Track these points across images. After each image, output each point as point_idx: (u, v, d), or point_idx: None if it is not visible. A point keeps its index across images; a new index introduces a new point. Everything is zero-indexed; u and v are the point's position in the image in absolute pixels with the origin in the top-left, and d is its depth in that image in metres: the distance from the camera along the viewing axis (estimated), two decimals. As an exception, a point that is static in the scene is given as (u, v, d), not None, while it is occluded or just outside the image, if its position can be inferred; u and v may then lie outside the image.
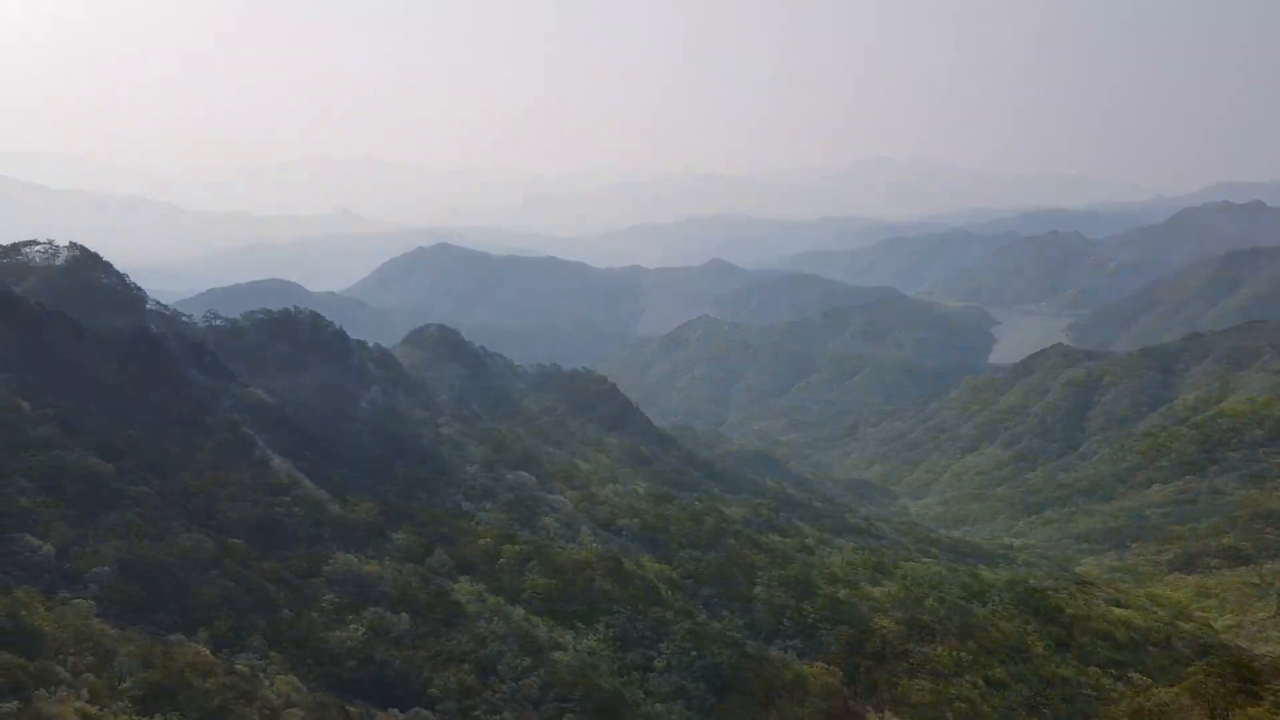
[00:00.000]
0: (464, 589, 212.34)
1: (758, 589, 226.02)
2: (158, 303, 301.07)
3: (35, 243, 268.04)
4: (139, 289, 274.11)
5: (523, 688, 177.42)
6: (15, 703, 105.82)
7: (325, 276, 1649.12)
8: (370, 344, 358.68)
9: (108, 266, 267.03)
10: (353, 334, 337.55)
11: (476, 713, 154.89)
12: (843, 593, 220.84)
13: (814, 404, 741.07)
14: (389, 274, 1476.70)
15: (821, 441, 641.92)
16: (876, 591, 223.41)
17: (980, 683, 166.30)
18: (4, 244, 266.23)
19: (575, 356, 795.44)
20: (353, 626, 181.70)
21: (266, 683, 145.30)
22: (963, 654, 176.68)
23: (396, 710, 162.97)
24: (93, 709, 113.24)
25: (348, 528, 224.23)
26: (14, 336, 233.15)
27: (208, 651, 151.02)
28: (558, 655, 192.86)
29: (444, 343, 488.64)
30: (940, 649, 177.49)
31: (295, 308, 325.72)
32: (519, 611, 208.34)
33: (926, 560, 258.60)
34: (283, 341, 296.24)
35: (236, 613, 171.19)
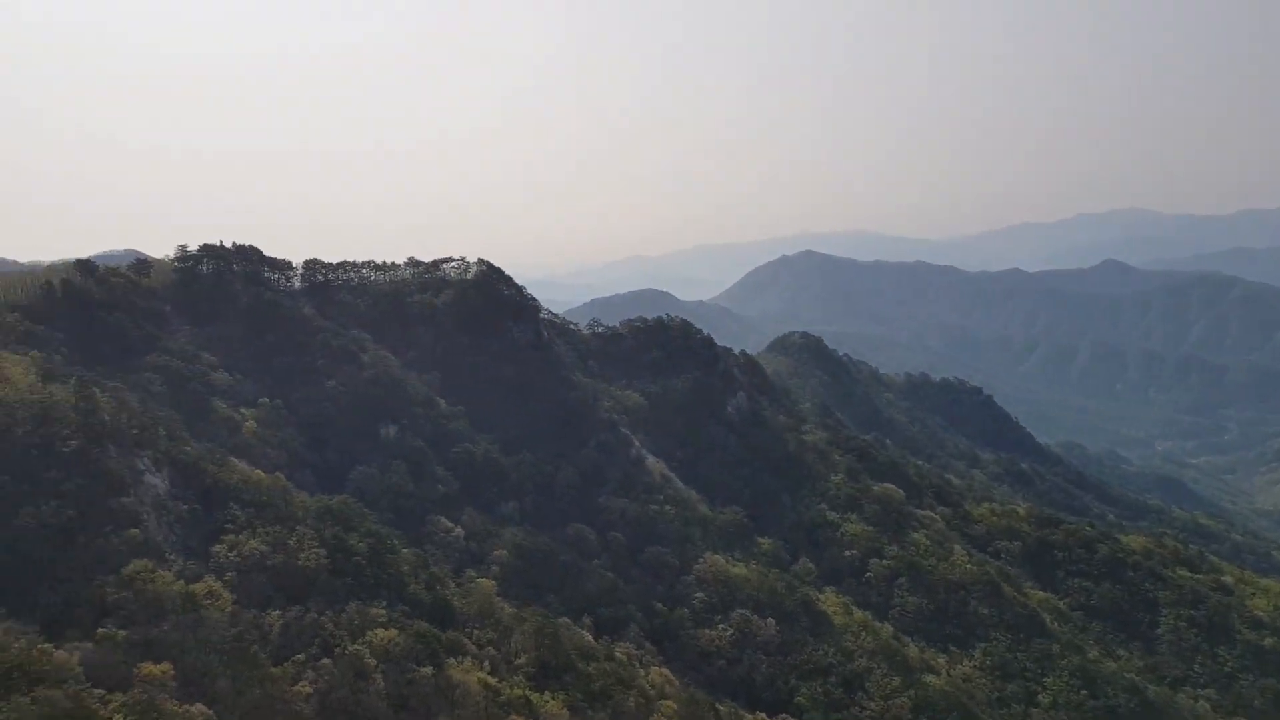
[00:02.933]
0: (830, 600, 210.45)
1: (1161, 628, 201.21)
2: (549, 311, 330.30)
3: (451, 259, 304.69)
4: (533, 299, 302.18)
5: (891, 708, 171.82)
6: (430, 668, 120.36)
7: (694, 285, 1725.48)
8: (736, 350, 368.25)
9: (508, 279, 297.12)
10: (719, 341, 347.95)
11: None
12: (1269, 640, 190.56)
13: (1232, 423, 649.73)
14: (754, 282, 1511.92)
15: (1242, 466, 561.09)
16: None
17: None
18: (427, 260, 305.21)
19: (945, 365, 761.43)
20: (721, 627, 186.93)
21: (642, 672, 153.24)
22: None
23: (763, 714, 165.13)
24: (493, 680, 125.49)
25: (715, 529, 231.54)
26: (435, 341, 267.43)
27: (591, 637, 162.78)
28: (930, 678, 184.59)
29: (807, 350, 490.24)
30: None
31: (667, 316, 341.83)
32: (887, 628, 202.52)
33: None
34: (656, 348, 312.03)
35: (616, 603, 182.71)
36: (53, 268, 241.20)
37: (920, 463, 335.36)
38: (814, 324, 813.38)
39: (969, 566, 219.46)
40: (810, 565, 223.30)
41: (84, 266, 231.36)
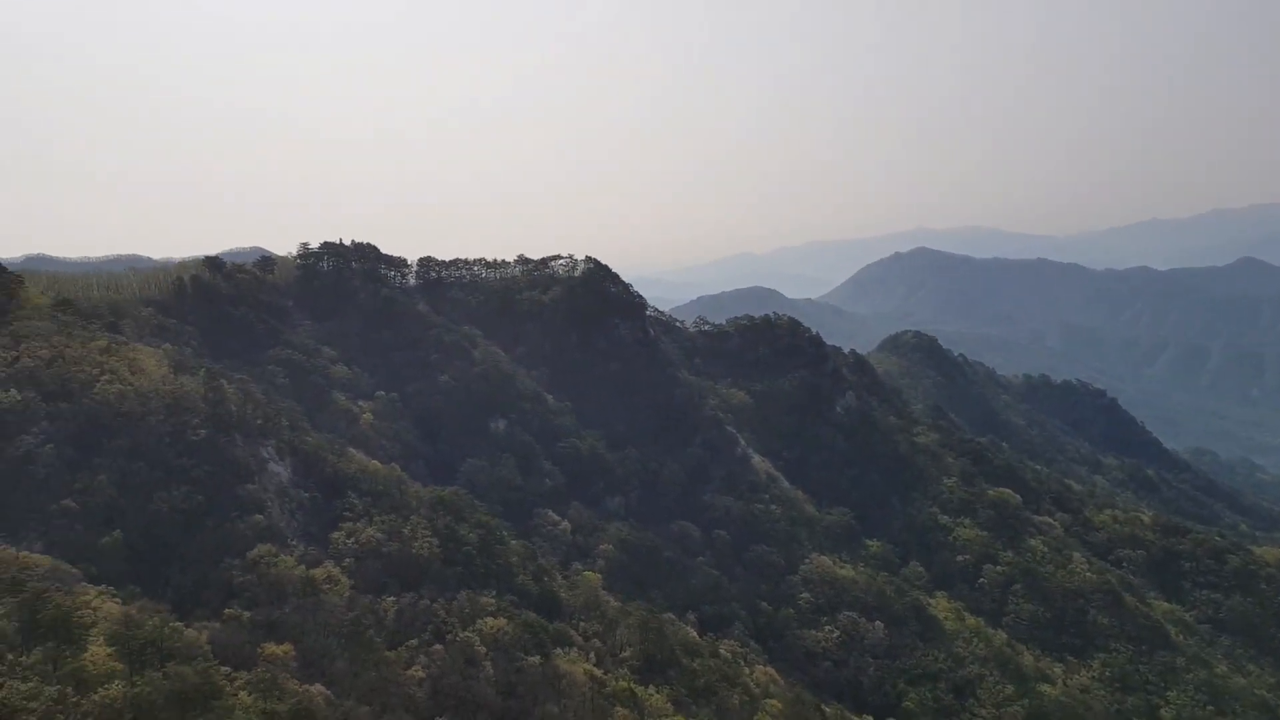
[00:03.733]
0: (941, 605, 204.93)
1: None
2: (655, 309, 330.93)
3: (560, 257, 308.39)
4: (640, 296, 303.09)
5: (1004, 716, 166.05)
6: (538, 658, 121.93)
7: (804, 283, 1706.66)
8: (845, 349, 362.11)
9: (615, 277, 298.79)
10: (828, 340, 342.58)
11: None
12: None
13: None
14: (865, 280, 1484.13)
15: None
16: None
17: None
18: (536, 258, 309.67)
19: (1066, 367, 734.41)
20: (827, 628, 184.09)
21: (747, 670, 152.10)
22: None
23: (870, 717, 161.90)
24: (598, 672, 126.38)
25: (822, 530, 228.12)
26: (543, 338, 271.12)
27: (695, 633, 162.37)
28: (1045, 688, 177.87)
29: (920, 350, 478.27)
30: None
31: (775, 314, 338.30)
32: (1000, 635, 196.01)
33: None
34: (763, 346, 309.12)
35: (720, 600, 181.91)
36: (184, 264, 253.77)
37: (1038, 467, 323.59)
38: (927, 323, 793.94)
39: (1089, 574, 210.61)
40: (920, 569, 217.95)
41: (213, 263, 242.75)
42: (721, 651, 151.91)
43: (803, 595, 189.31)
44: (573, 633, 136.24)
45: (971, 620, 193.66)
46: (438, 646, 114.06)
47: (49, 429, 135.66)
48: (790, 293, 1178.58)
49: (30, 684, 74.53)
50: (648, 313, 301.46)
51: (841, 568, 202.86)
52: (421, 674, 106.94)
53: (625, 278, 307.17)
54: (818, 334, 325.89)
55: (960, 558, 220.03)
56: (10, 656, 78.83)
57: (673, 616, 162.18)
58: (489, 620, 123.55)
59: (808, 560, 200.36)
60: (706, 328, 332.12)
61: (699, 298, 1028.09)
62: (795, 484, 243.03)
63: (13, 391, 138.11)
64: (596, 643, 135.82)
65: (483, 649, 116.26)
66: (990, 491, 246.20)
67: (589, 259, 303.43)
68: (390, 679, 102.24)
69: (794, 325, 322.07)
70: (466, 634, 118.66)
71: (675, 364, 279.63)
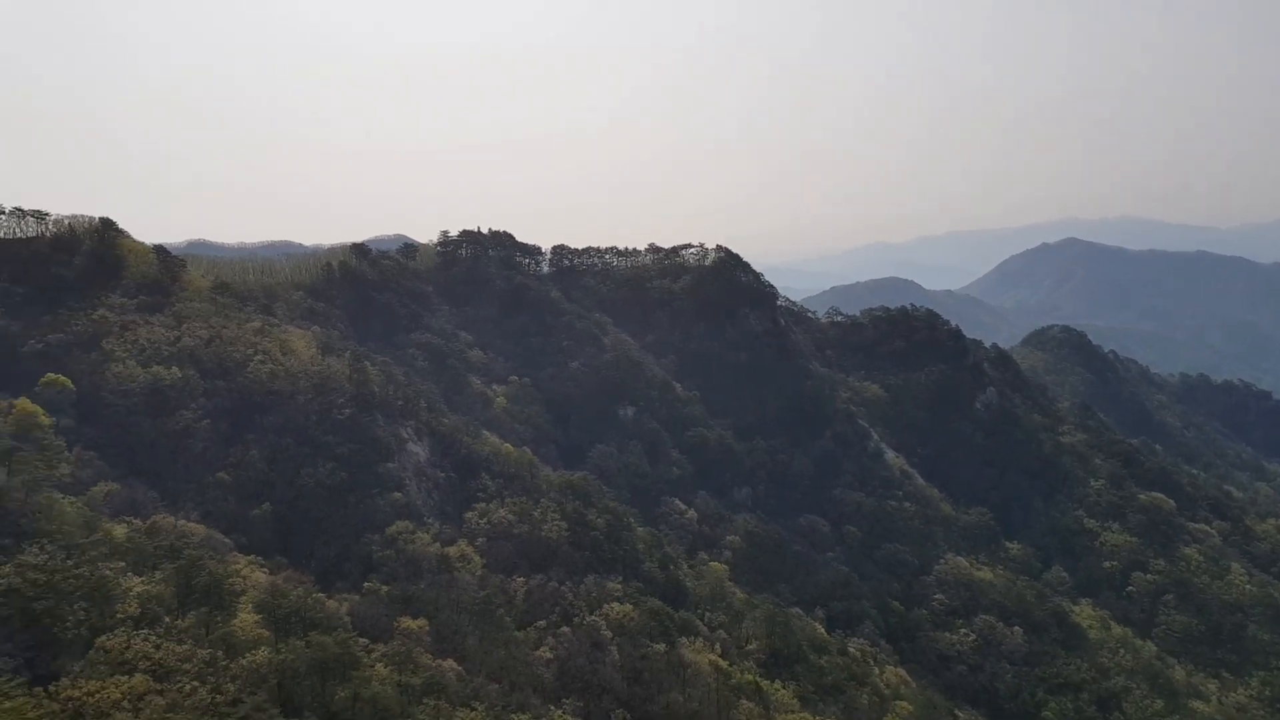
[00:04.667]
0: (1085, 613, 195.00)
1: None
2: (786, 299, 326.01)
3: (690, 245, 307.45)
4: (771, 286, 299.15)
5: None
6: (663, 645, 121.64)
7: (943, 274, 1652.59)
8: (986, 344, 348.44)
9: (746, 266, 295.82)
10: (969, 333, 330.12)
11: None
12: None
13: None
14: (1009, 271, 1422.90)
15: None
16: None
17: None
18: (667, 247, 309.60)
19: (1229, 366, 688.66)
20: (962, 631, 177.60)
21: (877, 670, 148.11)
22: None
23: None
24: (724, 663, 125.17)
25: (959, 530, 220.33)
26: (672, 326, 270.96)
27: (823, 630, 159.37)
28: (1197, 704, 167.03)
29: (1068, 345, 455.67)
30: None
31: (912, 306, 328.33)
32: (1149, 647, 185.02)
33: None
34: (898, 339, 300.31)
35: (850, 597, 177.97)
36: (333, 250, 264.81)
37: (1195, 472, 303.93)
38: (1076, 317, 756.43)
39: (1249, 587, 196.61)
40: (1063, 574, 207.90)
41: (359, 250, 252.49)
42: (850, 650, 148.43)
43: (937, 596, 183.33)
44: (698, 622, 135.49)
45: (1118, 630, 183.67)
46: (565, 629, 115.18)
47: (206, 405, 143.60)
48: (928, 284, 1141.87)
49: (184, 647, 78.51)
50: (778, 302, 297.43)
51: (979, 570, 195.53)
52: (549, 655, 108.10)
53: (756, 267, 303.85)
54: (957, 327, 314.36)
55: (1107, 564, 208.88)
56: (167, 620, 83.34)
57: (800, 611, 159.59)
58: (615, 605, 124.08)
59: (942, 560, 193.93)
60: (839, 319, 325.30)
61: (832, 288, 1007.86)
62: (930, 481, 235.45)
63: (174, 369, 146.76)
64: (722, 634, 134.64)
65: (609, 633, 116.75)
66: (1142, 496, 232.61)
67: (719, 248, 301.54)
68: (519, 658, 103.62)
69: (932, 317, 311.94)
70: (593, 618, 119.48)
71: (806, 355, 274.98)
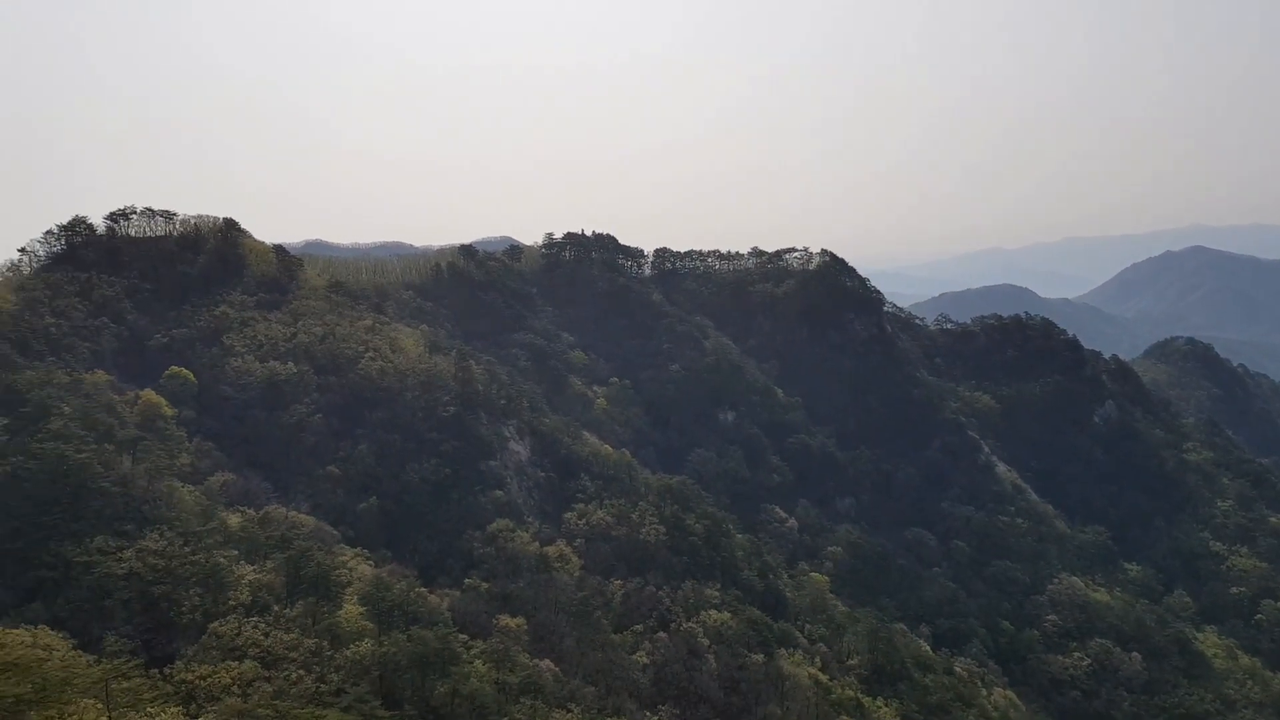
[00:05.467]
0: (1209, 641, 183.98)
1: None
2: (893, 305, 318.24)
3: (794, 249, 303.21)
4: (877, 291, 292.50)
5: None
6: (761, 656, 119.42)
7: (1059, 281, 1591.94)
8: (1105, 355, 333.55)
9: (851, 271, 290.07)
10: (1086, 343, 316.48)
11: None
12: None
13: None
14: (1131, 280, 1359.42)
15: None
16: None
17: None
18: (770, 250, 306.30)
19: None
20: (1076, 655, 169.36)
21: (984, 691, 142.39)
22: None
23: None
24: (824, 677, 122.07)
25: (1074, 548, 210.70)
26: (774, 330, 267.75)
27: (928, 647, 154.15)
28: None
29: (1194, 358, 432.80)
30: None
31: (1026, 314, 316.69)
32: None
33: None
34: (1011, 348, 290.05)
35: (957, 615, 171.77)
36: (442, 251, 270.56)
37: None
38: (1202, 329, 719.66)
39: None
40: (1186, 599, 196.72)
41: (467, 251, 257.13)
42: (956, 669, 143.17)
43: (1049, 617, 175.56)
44: (798, 634, 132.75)
45: (1246, 660, 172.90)
46: (662, 634, 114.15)
47: (319, 400, 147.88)
48: (1044, 291, 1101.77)
49: (292, 635, 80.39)
50: (885, 308, 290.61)
51: (1095, 591, 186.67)
52: (646, 660, 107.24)
53: (862, 272, 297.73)
54: (1074, 337, 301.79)
55: (1235, 590, 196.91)
56: (276, 608, 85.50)
57: (904, 628, 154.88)
58: (713, 613, 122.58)
59: (1056, 580, 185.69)
60: (949, 326, 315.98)
61: (941, 294, 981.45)
62: (1044, 497, 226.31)
63: (290, 364, 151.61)
64: (822, 647, 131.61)
65: (706, 641, 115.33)
66: (1273, 518, 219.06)
67: (824, 252, 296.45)
68: (616, 662, 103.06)
69: (1047, 326, 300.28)
70: (690, 624, 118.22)
71: (913, 363, 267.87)
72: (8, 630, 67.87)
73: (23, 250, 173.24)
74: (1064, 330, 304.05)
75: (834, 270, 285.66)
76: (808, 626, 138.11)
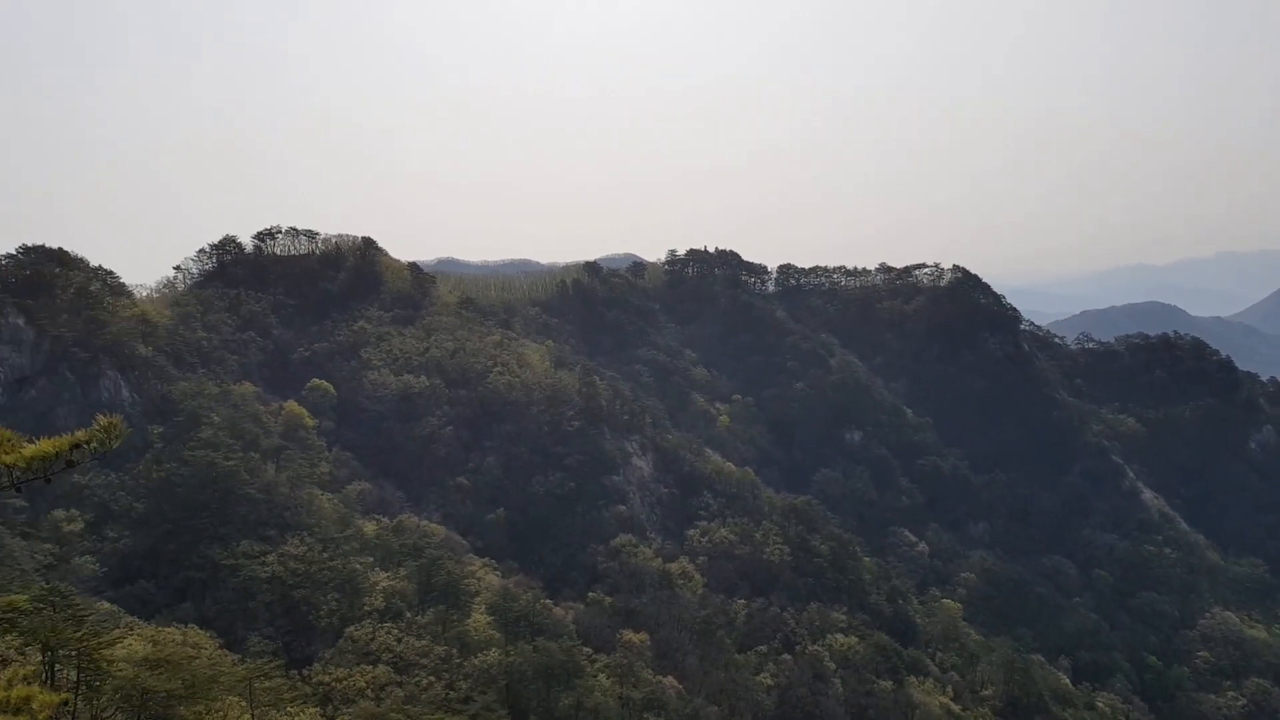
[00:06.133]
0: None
1: None
2: (1030, 323, 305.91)
3: (924, 265, 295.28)
4: (1013, 309, 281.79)
5: None
6: (890, 683, 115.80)
7: (1211, 299, 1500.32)
8: (1263, 377, 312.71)
9: (985, 287, 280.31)
10: (1242, 365, 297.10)
11: None
12: None
13: None
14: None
15: None
16: None
17: None
18: (899, 266, 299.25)
19: None
20: (1231, 694, 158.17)
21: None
22: None
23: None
24: (956, 706, 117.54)
25: (1228, 581, 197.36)
26: (903, 349, 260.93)
27: (1067, 680, 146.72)
28: None
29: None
30: None
31: (1175, 333, 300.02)
32: None
33: None
34: (1158, 369, 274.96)
35: (1099, 647, 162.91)
36: (567, 268, 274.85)
37: None
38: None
39: None
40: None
41: (591, 268, 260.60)
42: (1098, 704, 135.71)
43: (1200, 653, 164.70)
44: (928, 662, 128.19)
45: None
46: (786, 656, 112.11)
47: (449, 413, 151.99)
48: (1194, 310, 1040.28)
49: (423, 642, 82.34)
50: (1021, 326, 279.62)
51: (1251, 627, 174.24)
52: (770, 681, 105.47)
53: (997, 288, 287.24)
54: (1228, 357, 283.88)
55: None
56: (408, 615, 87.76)
57: (1042, 659, 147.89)
58: (839, 637, 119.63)
59: (1208, 614, 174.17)
60: (1090, 345, 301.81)
61: (1082, 312, 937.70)
62: (1195, 526, 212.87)
63: (423, 378, 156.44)
64: (954, 676, 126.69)
65: (832, 665, 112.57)
66: None
67: (956, 268, 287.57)
68: (739, 682, 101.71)
69: (1198, 346, 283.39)
70: (816, 647, 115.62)
71: (1052, 383, 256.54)
72: (161, 629, 71.70)
73: (177, 268, 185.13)
74: (1216, 350, 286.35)
75: (967, 286, 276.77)
76: (939, 654, 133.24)
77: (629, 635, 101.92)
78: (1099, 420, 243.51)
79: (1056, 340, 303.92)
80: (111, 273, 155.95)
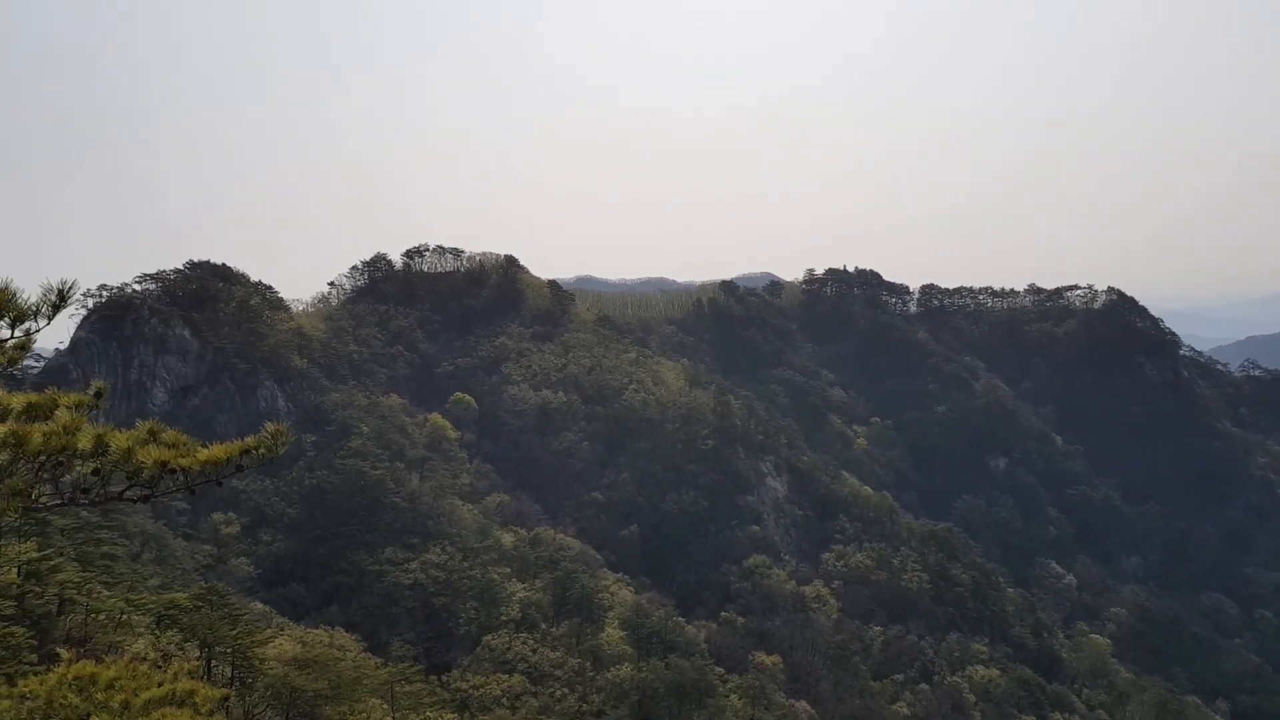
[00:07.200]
0: None
1: None
2: (1191, 348, 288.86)
3: (1076, 287, 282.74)
4: (1172, 333, 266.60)
5: None
6: (1033, 718, 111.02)
7: None
8: None
9: (1142, 310, 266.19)
10: None
11: None
12: None
13: None
14: None
15: None
16: None
17: None
18: (1049, 288, 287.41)
19: None
20: None
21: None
22: None
23: None
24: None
25: None
26: (1052, 373, 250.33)
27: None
28: None
29: None
30: None
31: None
32: None
33: None
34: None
35: (1262, 691, 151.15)
36: (704, 287, 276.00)
37: None
38: None
39: None
40: None
41: (728, 287, 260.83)
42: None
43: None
44: (1074, 698, 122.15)
45: None
46: (924, 686, 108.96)
47: (586, 429, 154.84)
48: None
49: (557, 654, 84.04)
50: (1180, 352, 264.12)
51: None
52: (906, 711, 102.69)
53: (1154, 311, 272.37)
54: None
55: None
56: (544, 626, 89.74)
57: (1198, 701, 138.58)
58: (979, 669, 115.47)
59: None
60: (1257, 373, 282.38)
61: (1249, 337, 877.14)
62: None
63: (560, 393, 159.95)
64: (1102, 714, 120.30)
65: (972, 698, 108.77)
66: None
67: (1110, 290, 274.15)
68: (874, 710, 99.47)
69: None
70: (955, 678, 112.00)
71: (1214, 412, 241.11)
72: (309, 630, 75.69)
73: (331, 283, 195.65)
74: None
75: (1122, 309, 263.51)
76: (1085, 691, 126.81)
77: (761, 657, 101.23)
78: (1265, 452, 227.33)
79: (1219, 367, 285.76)
80: (270, 288, 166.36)
